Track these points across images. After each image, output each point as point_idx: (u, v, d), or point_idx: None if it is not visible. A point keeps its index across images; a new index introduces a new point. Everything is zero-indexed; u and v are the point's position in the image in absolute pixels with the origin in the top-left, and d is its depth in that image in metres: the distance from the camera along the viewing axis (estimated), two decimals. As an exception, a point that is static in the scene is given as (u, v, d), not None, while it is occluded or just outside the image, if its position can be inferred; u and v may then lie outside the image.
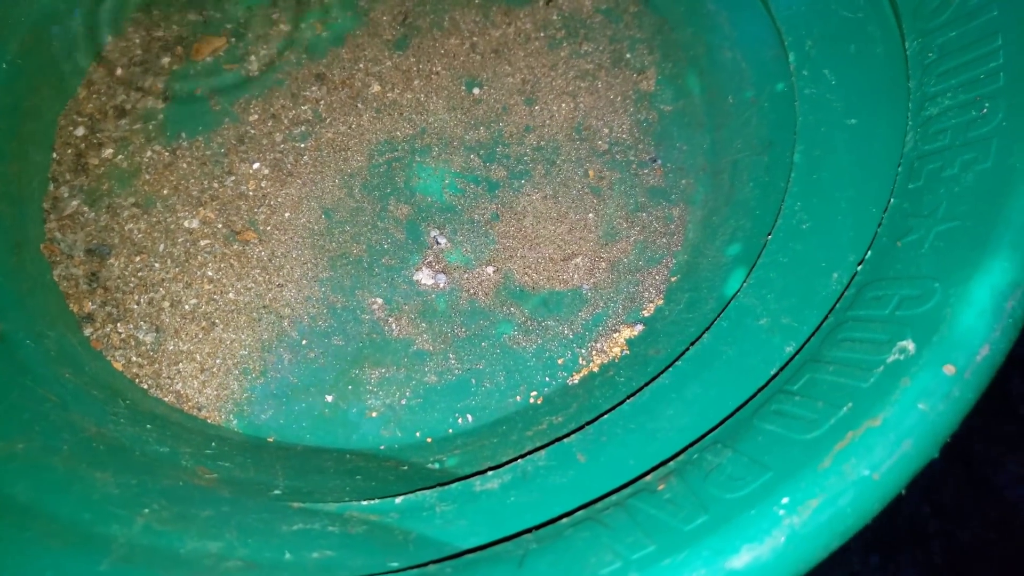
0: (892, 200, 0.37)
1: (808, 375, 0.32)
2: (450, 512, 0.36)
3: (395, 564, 0.33)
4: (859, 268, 0.36)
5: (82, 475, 0.37)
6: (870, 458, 0.27)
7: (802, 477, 0.28)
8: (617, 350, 0.45)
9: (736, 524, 0.27)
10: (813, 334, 0.35)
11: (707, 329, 0.40)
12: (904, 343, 0.30)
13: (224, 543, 0.34)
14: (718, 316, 0.40)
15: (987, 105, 0.36)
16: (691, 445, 0.33)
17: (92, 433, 0.40)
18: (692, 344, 0.40)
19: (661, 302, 0.46)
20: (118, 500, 0.36)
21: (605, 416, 0.38)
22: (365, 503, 0.37)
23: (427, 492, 0.37)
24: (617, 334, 0.46)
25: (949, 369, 0.29)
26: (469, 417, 0.44)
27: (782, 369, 0.34)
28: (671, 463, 0.33)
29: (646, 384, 0.39)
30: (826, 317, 0.35)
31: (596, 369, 0.45)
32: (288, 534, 0.35)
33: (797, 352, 0.35)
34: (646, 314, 0.46)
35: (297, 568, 0.32)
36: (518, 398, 0.44)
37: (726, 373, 0.37)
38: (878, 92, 0.44)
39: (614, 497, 0.32)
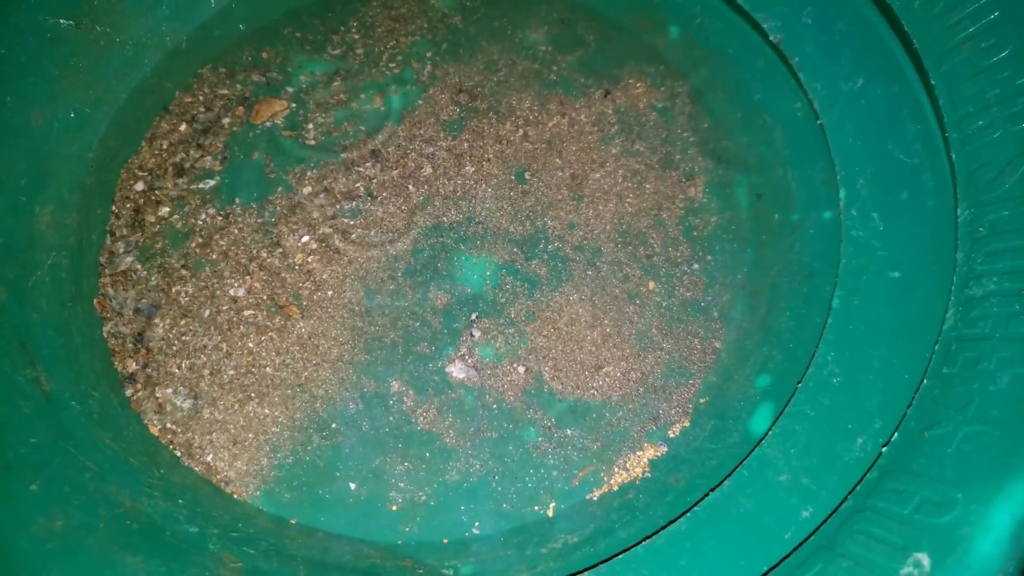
0: (925, 381, 0.38)
1: (820, 565, 0.33)
2: (459, 637, 0.37)
3: None
4: (883, 450, 0.37)
5: (114, 560, 0.38)
6: None
7: None
8: (639, 471, 0.46)
9: None
10: (832, 515, 0.36)
11: (728, 476, 0.41)
12: (919, 556, 0.31)
13: (242, 652, 0.35)
14: (740, 464, 0.41)
15: (1033, 299, 0.36)
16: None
17: (127, 508, 0.42)
18: (712, 490, 0.40)
19: (687, 424, 0.47)
20: (146, 589, 0.37)
21: (620, 556, 0.39)
22: (377, 614, 0.38)
23: (438, 611, 0.38)
24: (641, 452, 0.46)
25: (959, 597, 0.29)
26: (487, 523, 0.45)
27: (796, 549, 0.35)
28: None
29: (662, 528, 0.40)
30: (845, 499, 0.36)
31: (616, 488, 0.46)
32: (303, 646, 0.36)
33: (814, 531, 0.35)
34: (671, 435, 0.47)
35: None
36: (536, 508, 0.45)
37: (741, 530, 0.38)
38: (925, 250, 0.44)
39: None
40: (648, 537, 0.39)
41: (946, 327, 0.38)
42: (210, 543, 0.42)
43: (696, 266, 0.52)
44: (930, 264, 0.43)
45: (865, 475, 0.36)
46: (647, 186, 0.54)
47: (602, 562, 0.39)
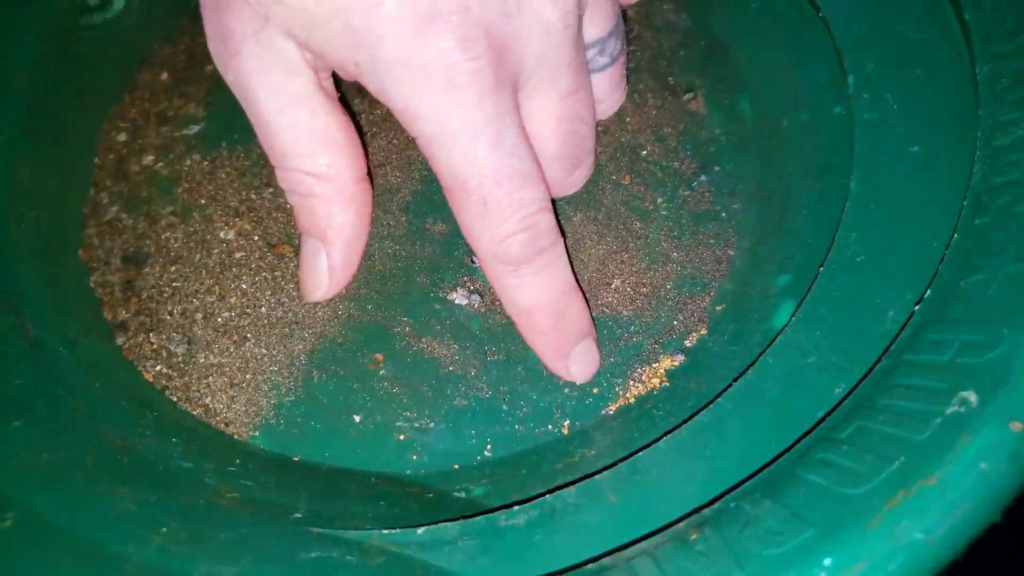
0: (956, 236, 0.35)
1: (858, 423, 0.30)
2: (472, 547, 0.35)
3: (412, 602, 0.31)
4: (917, 308, 0.34)
5: (103, 491, 0.36)
6: (923, 520, 0.25)
7: (847, 537, 0.26)
8: (656, 381, 0.43)
9: (775, 586, 0.25)
10: (865, 376, 0.33)
11: (751, 365, 0.38)
12: (966, 394, 0.28)
13: (238, 569, 0.33)
14: (764, 351, 0.38)
15: (1064, 139, 0.33)
16: (728, 492, 0.31)
17: (117, 445, 0.39)
18: (735, 380, 0.38)
19: (704, 332, 0.45)
20: (136, 518, 0.35)
21: (640, 453, 0.36)
22: (386, 532, 0.36)
23: (449, 524, 0.36)
24: (657, 364, 0.44)
25: (1016, 426, 0.26)
26: (499, 445, 0.42)
27: (829, 414, 0.32)
28: (705, 511, 0.31)
29: (684, 421, 0.37)
30: (879, 359, 0.33)
31: (633, 400, 0.43)
32: (305, 562, 0.34)
33: (846, 396, 0.33)
34: (688, 344, 0.44)
35: (310, 601, 0.31)
36: (550, 427, 0.43)
37: (769, 414, 0.35)
38: (944, 119, 0.41)
39: (644, 544, 0.30)
40: (669, 431, 0.37)
41: (974, 181, 0.36)
42: (206, 477, 0.40)
43: (704, 178, 0.50)
44: (951, 130, 0.40)
45: (898, 335, 0.33)
46: (646, 105, 0.52)
47: (622, 460, 0.36)
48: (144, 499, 0.36)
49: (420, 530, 0.36)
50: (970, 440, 0.27)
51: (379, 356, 0.45)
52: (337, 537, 0.36)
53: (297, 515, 0.38)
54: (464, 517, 0.36)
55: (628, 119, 0.51)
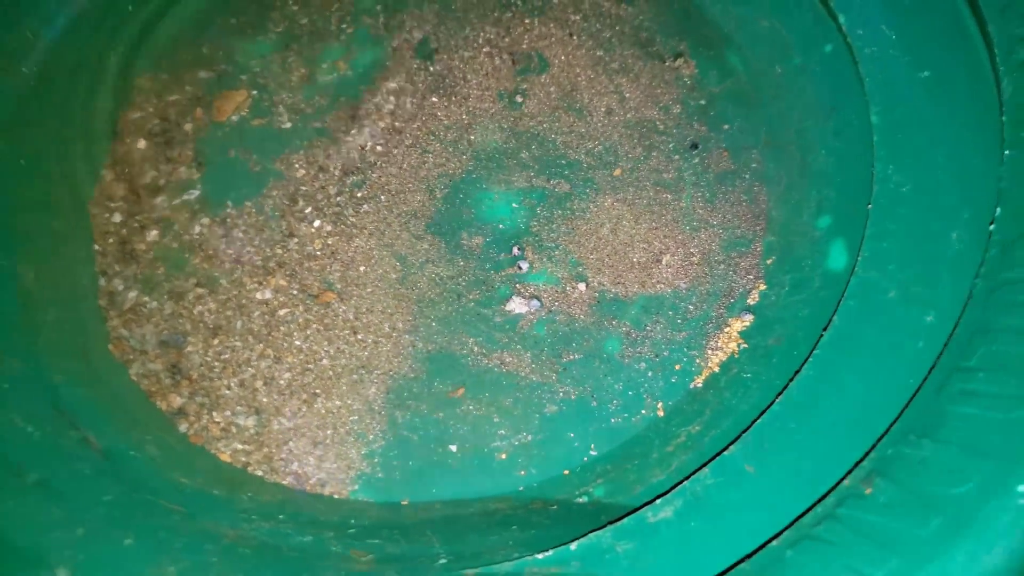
0: (1008, 151, 0.37)
1: (983, 347, 0.32)
2: (632, 550, 0.35)
3: (607, 617, 0.32)
4: (992, 228, 0.36)
5: (245, 587, 0.35)
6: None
7: (1033, 459, 0.27)
8: (733, 345, 0.44)
9: (980, 522, 0.27)
10: (966, 305, 0.34)
11: (835, 311, 0.39)
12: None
13: (423, 630, 0.33)
14: (842, 296, 0.40)
15: (1090, 42, 0.35)
16: (878, 441, 0.33)
17: (232, 538, 0.38)
18: (825, 329, 0.39)
19: (764, 287, 0.46)
20: (292, 605, 0.34)
21: (760, 420, 0.37)
22: (540, 556, 0.36)
23: (600, 533, 0.36)
24: (728, 328, 0.45)
25: None
26: (601, 441, 0.43)
27: (947, 345, 0.34)
28: (864, 462, 0.32)
29: (792, 378, 0.38)
30: (974, 284, 0.35)
31: (717, 369, 0.44)
32: (480, 606, 0.34)
33: (957, 325, 0.34)
34: (752, 302, 0.45)
35: (511, 643, 0.31)
36: (644, 412, 0.44)
37: (874, 355, 0.37)
38: (945, 40, 0.43)
39: (818, 509, 0.32)
40: (780, 393, 0.38)
41: (1006, 97, 0.38)
42: (331, 546, 0.39)
43: (717, 138, 0.51)
44: (960, 51, 0.42)
45: (984, 258, 0.35)
46: (640, 78, 0.53)
47: (744, 431, 0.37)
48: (289, 585, 0.35)
49: (572, 545, 0.36)
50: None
51: (455, 382, 0.45)
52: (494, 573, 0.36)
53: (442, 561, 0.37)
54: (611, 522, 0.36)
55: (627, 95, 0.52)
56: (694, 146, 0.50)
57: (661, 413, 0.43)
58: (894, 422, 0.33)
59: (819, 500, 0.32)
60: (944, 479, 0.29)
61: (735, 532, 0.33)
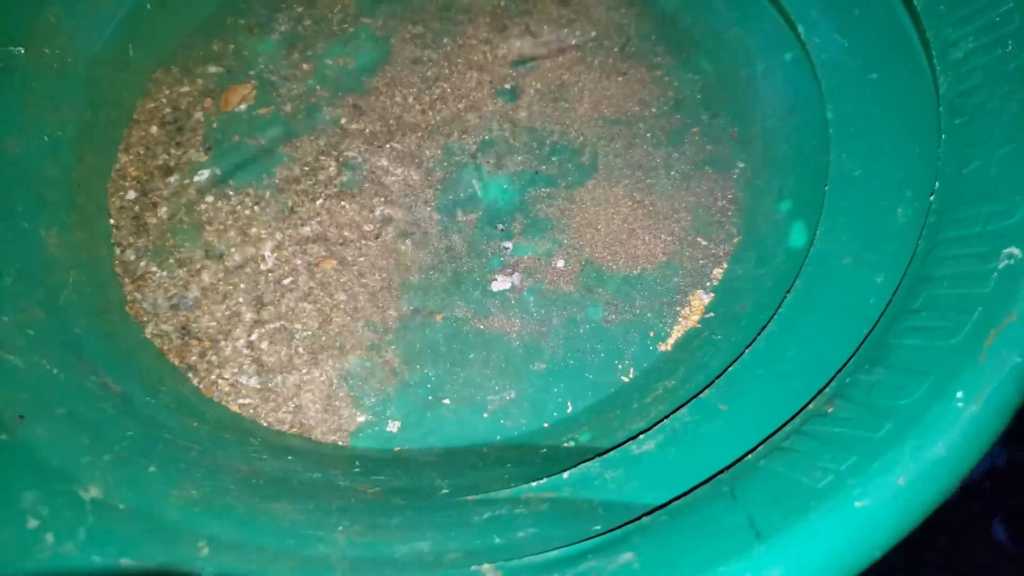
0: (944, 136, 0.42)
1: (924, 293, 0.37)
2: (619, 477, 0.39)
3: (599, 527, 0.35)
4: (932, 199, 0.41)
5: (263, 509, 0.38)
6: (1020, 347, 0.32)
7: (965, 373, 0.32)
8: (704, 313, 0.49)
9: (924, 422, 0.31)
10: (910, 264, 0.39)
11: (796, 275, 0.44)
12: (1009, 250, 0.35)
13: (431, 541, 0.36)
14: (803, 263, 0.44)
15: (1010, 43, 0.41)
16: (837, 373, 0.37)
17: (246, 472, 0.41)
18: (787, 292, 0.44)
19: (732, 263, 0.51)
20: (307, 524, 0.37)
21: (731, 368, 0.42)
22: (534, 484, 0.39)
23: (590, 464, 0.40)
24: (700, 300, 0.49)
25: (1058, 262, 0.33)
26: (583, 398, 0.47)
27: (895, 294, 0.39)
28: (827, 390, 0.37)
29: (759, 333, 0.42)
30: (916, 247, 0.40)
31: (691, 330, 0.48)
32: (483, 523, 0.37)
33: (903, 277, 0.39)
34: (719, 274, 0.50)
35: (514, 548, 0.35)
36: (623, 370, 0.48)
37: (831, 311, 0.42)
38: (889, 46, 0.49)
39: (786, 429, 0.36)
40: (749, 345, 0.42)
41: (943, 91, 0.43)
42: (339, 481, 0.42)
43: (693, 129, 0.56)
44: (902, 55, 0.48)
45: (924, 223, 0.40)
46: (620, 77, 0.58)
47: (717, 377, 0.42)
48: (302, 508, 0.38)
49: (565, 474, 0.40)
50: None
51: (448, 343, 0.48)
52: (493, 499, 0.39)
53: (445, 491, 0.40)
54: (600, 454, 0.40)
55: (609, 94, 0.57)
56: (688, 125, 0.55)
57: (636, 373, 0.47)
58: (851, 358, 0.38)
59: (786, 422, 0.36)
60: (894, 394, 0.33)
61: (711, 457, 0.37)
